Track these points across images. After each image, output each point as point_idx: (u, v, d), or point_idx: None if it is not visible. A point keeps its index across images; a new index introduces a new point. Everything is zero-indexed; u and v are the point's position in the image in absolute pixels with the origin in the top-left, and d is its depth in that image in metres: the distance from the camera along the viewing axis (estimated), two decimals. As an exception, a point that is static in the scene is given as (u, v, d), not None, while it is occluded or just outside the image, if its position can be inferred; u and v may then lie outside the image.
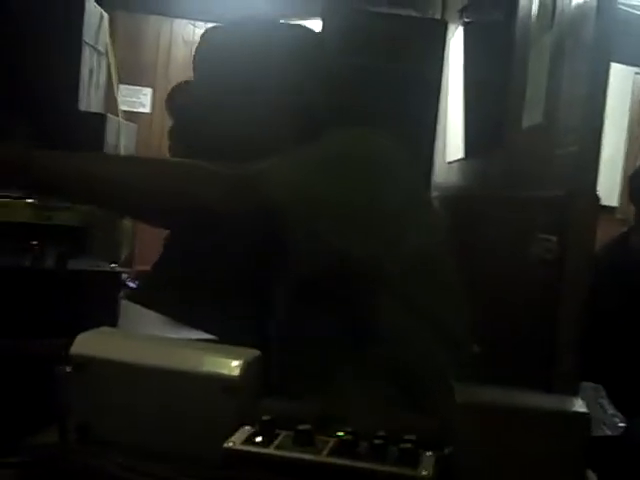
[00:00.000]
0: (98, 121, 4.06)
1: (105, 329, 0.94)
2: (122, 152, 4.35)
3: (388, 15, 3.75)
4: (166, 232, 2.60)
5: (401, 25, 3.71)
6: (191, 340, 0.99)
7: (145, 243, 4.74)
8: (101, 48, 4.34)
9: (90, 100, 4.25)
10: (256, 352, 0.88)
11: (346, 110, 1.92)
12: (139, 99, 5.95)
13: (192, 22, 6.00)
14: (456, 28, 3.69)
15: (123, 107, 5.34)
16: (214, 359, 0.86)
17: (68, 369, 0.87)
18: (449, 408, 0.85)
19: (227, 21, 1.67)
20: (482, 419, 0.79)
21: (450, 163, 3.82)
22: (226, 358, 0.85)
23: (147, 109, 5.98)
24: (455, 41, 3.71)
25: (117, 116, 4.34)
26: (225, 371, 0.84)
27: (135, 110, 5.81)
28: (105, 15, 4.32)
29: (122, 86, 5.49)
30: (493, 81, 3.00)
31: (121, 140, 4.33)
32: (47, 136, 3.91)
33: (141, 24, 5.85)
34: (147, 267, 2.92)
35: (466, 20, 3.50)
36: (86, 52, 4.09)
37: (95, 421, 0.86)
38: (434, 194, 3.79)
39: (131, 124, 4.59)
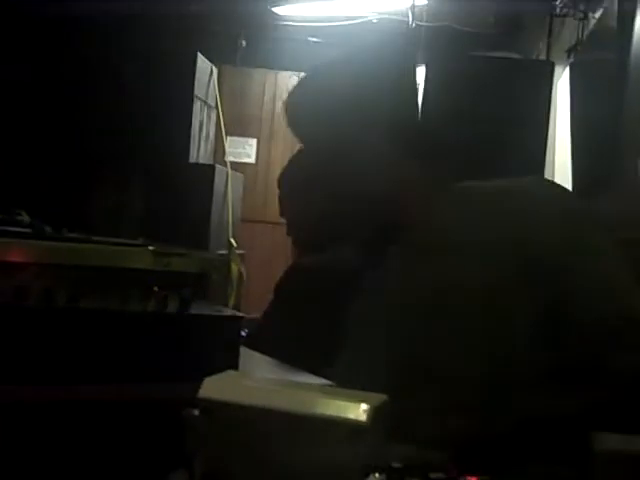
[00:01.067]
0: (208, 172, 4.18)
1: (231, 373, 0.95)
2: (230, 200, 4.45)
3: (493, 58, 3.73)
4: (276, 280, 2.64)
5: (507, 68, 3.68)
6: (315, 384, 0.98)
7: (251, 291, 4.83)
8: (211, 102, 4.48)
9: (200, 152, 4.38)
10: (383, 396, 0.87)
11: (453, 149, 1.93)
12: (244, 150, 6.10)
13: (296, 73, 6.13)
14: (563, 69, 3.65)
15: (230, 158, 5.49)
16: (340, 403, 0.84)
17: (195, 413, 0.87)
18: (587, 456, 0.81)
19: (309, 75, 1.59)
20: (628, 468, 0.75)
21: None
22: (353, 402, 0.84)
23: (252, 159, 6.12)
24: (562, 82, 3.66)
25: (225, 166, 4.45)
26: (352, 415, 0.82)
27: (241, 160, 5.96)
28: (215, 70, 4.46)
29: (229, 137, 5.66)
30: (604, 121, 2.93)
31: (229, 189, 4.43)
32: (159, 186, 4.07)
33: (246, 77, 6.02)
34: (255, 314, 2.96)
35: (574, 60, 3.45)
36: (197, 106, 4.23)
37: (222, 465, 0.86)
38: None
39: (238, 174, 4.70)
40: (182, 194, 4.06)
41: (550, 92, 3.67)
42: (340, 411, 0.83)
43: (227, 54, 5.78)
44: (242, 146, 6.03)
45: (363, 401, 0.84)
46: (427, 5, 4.88)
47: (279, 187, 2.65)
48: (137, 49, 4.19)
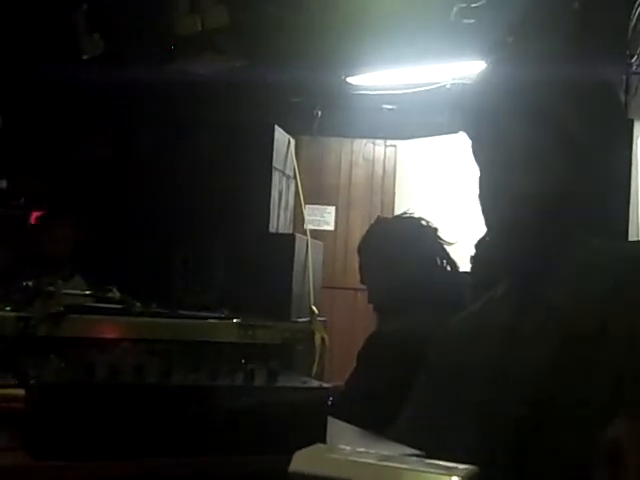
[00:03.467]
0: (288, 241, 4.23)
1: (320, 446, 0.95)
2: (310, 268, 4.49)
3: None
4: (358, 346, 2.65)
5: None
6: (404, 456, 0.97)
7: (334, 357, 4.82)
8: (289, 172, 4.57)
9: (279, 221, 4.45)
10: (473, 468, 0.86)
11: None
12: (323, 217, 6.17)
13: (371, 140, 6.23)
14: (643, 126, 3.59)
15: (309, 226, 5.57)
16: (430, 476, 0.84)
17: (287, 487, 0.88)
18: None
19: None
20: None
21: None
22: (443, 475, 0.83)
23: (331, 227, 6.18)
24: (643, 139, 3.61)
25: (304, 234, 4.51)
26: (443, 490, 0.82)
27: (320, 228, 6.03)
28: (292, 141, 4.56)
29: (307, 206, 5.75)
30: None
31: (309, 258, 4.47)
32: (240, 257, 4.14)
33: (323, 146, 6.13)
34: (338, 381, 2.96)
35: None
36: (276, 177, 4.32)
37: None
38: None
39: (318, 242, 4.74)
40: (263, 264, 4.12)
41: (631, 149, 3.62)
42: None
43: (304, 125, 5.91)
44: (321, 214, 6.11)
45: (454, 474, 0.83)
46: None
47: (359, 254, 2.68)
48: (216, 121, 4.32)
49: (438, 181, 5.92)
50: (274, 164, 4.30)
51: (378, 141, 6.22)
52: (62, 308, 1.37)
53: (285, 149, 4.51)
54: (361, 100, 5.73)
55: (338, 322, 5.46)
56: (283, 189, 4.51)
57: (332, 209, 6.19)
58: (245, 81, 4.60)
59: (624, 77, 4.29)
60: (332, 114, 5.93)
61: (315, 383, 1.23)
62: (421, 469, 0.87)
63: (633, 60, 3.58)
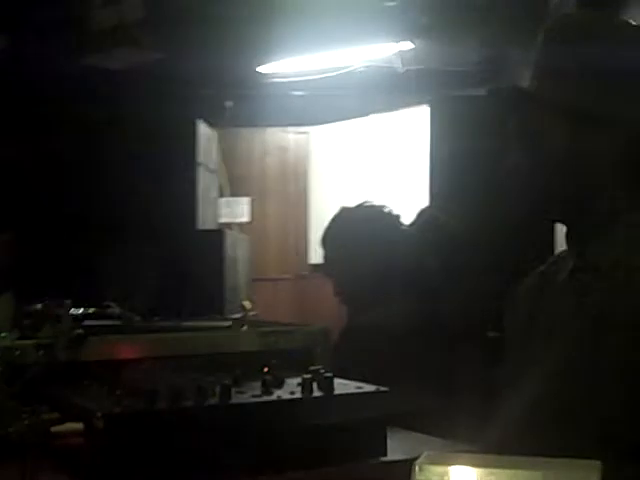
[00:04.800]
0: (218, 237, 4.16)
1: (431, 454, 0.92)
2: (240, 263, 4.43)
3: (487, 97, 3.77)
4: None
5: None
6: (514, 457, 0.95)
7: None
8: (212, 166, 4.48)
9: (206, 217, 4.37)
10: (596, 463, 0.85)
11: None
12: (238, 209, 6.08)
13: (283, 129, 6.18)
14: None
15: (224, 219, 5.49)
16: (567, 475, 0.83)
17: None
18: None
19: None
20: None
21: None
22: (579, 474, 0.83)
23: (246, 218, 6.10)
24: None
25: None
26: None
27: (235, 220, 5.94)
28: (214, 134, 4.47)
29: (223, 198, 5.65)
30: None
31: (238, 252, 4.41)
32: (171, 257, 4.03)
33: (234, 137, 6.02)
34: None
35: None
36: (200, 172, 4.23)
37: None
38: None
39: (244, 236, 4.69)
40: (193, 261, 4.03)
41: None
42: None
43: (214, 116, 5.80)
44: (236, 206, 6.02)
45: (589, 471, 0.83)
46: (414, 49, 4.95)
47: (324, 246, 2.64)
48: (135, 117, 4.18)
49: (352, 165, 5.93)
50: (199, 159, 4.21)
51: (290, 129, 6.18)
52: (82, 331, 1.29)
53: (208, 143, 4.42)
54: (272, 88, 5.67)
55: (264, 315, 5.40)
56: (208, 184, 4.42)
57: (246, 200, 6.10)
58: (161, 75, 4.47)
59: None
60: (243, 104, 5.84)
61: (371, 387, 1.20)
62: (550, 468, 0.86)
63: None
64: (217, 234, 4.18)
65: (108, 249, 3.93)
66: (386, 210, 2.52)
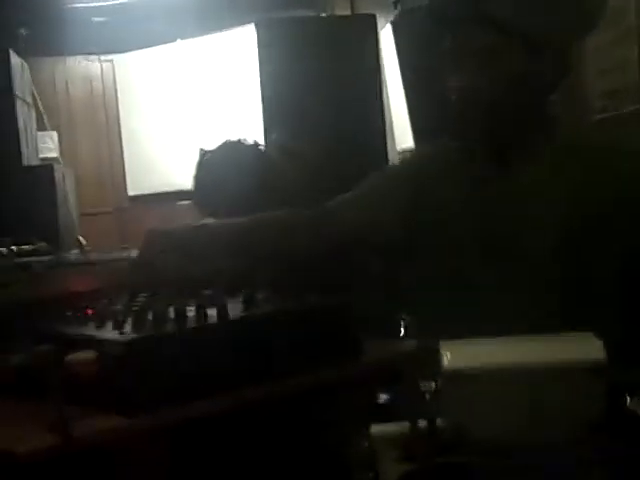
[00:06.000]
0: (47, 172, 4.00)
1: (448, 342, 1.02)
2: (68, 197, 4.29)
3: (320, 18, 3.86)
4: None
5: (333, 25, 3.84)
6: (528, 336, 1.07)
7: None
8: (28, 99, 4.26)
9: (29, 152, 4.17)
10: (589, 334, 0.99)
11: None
12: (46, 144, 5.80)
13: (85, 57, 5.92)
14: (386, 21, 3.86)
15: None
16: (574, 346, 0.97)
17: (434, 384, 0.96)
18: None
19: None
20: None
21: (401, 152, 4.02)
22: (585, 343, 0.96)
23: (56, 153, 5.84)
24: (386, 32, 3.88)
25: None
26: (591, 354, 0.95)
27: (45, 155, 5.67)
28: (26, 65, 4.23)
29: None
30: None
31: (67, 186, 4.27)
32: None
33: (35, 68, 5.68)
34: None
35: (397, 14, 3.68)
36: (18, 105, 4.01)
37: (468, 425, 0.95)
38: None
39: (70, 170, 4.53)
40: (23, 199, 3.86)
41: (378, 44, 3.88)
42: (577, 353, 0.95)
43: (8, 45, 5.44)
44: (43, 140, 5.74)
45: (592, 340, 0.97)
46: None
47: (199, 176, 2.64)
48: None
49: (165, 92, 5.83)
50: (15, 92, 3.98)
51: (92, 57, 5.93)
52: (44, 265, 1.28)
53: (21, 74, 4.19)
54: (72, 14, 5.40)
55: (94, 249, 5.27)
56: (26, 118, 4.20)
57: (54, 134, 5.83)
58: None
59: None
60: (41, 32, 5.51)
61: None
62: (558, 341, 1.00)
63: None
64: (46, 169, 4.02)
65: None
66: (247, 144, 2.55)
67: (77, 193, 5.15)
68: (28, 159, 4.14)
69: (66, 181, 4.25)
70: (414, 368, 1.08)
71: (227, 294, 1.24)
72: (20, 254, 1.43)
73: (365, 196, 1.42)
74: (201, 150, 2.55)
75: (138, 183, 6.04)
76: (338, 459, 1.26)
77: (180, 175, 5.63)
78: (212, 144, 2.52)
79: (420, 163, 1.49)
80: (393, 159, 4.13)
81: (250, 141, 2.54)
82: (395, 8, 3.68)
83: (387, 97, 4.06)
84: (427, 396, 0.96)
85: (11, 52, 3.96)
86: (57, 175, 4.05)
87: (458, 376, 0.95)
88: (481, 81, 1.24)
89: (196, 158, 2.54)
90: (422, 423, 1.00)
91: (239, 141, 2.54)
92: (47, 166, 4.08)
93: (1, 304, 1.20)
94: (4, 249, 1.35)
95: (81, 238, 4.43)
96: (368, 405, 1.27)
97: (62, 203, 4.08)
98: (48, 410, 1.06)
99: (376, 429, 1.09)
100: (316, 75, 3.74)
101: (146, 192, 5.97)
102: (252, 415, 1.18)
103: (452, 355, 0.96)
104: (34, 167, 4.07)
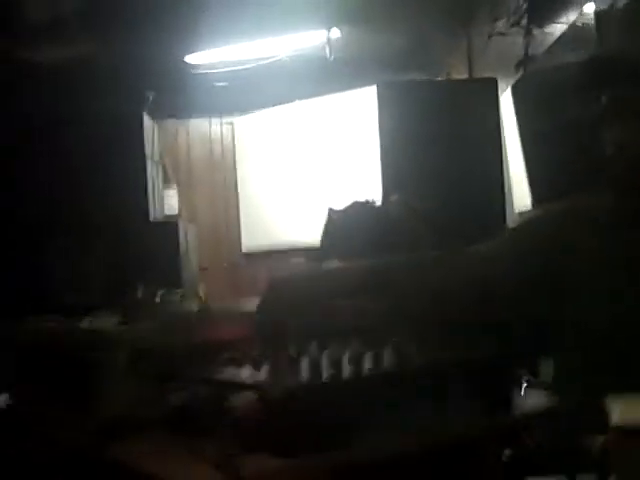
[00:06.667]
0: (172, 228, 4.16)
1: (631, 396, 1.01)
2: (191, 252, 4.44)
3: (441, 81, 3.91)
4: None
5: (455, 88, 3.90)
6: None
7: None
8: (156, 158, 4.46)
9: (156, 209, 4.35)
10: None
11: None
12: (166, 201, 6.05)
13: (207, 119, 6.18)
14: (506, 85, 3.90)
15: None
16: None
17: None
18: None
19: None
20: None
21: (521, 213, 4.00)
22: None
23: (175, 210, 6.07)
24: (506, 96, 3.91)
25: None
26: None
27: (168, 213, 5.91)
28: (155, 126, 4.45)
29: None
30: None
31: (189, 242, 4.42)
32: (127, 250, 4.00)
33: (159, 129, 5.96)
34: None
35: (520, 75, 3.70)
36: (148, 165, 4.21)
37: None
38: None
39: (192, 226, 4.69)
40: (150, 254, 4.02)
41: (498, 107, 3.91)
42: None
43: (136, 108, 5.74)
44: (166, 197, 5.98)
45: None
46: (341, 37, 5.06)
47: (327, 235, 2.71)
48: (77, 112, 4.12)
49: (280, 152, 6.00)
50: (146, 152, 4.19)
51: (214, 120, 6.18)
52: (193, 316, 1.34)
53: (151, 135, 4.40)
54: (197, 79, 5.66)
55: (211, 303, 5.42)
56: (154, 176, 4.40)
57: (174, 192, 6.07)
58: (95, 69, 4.40)
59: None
60: (167, 96, 5.79)
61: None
62: None
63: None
64: (172, 225, 4.19)
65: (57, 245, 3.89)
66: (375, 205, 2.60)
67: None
68: (155, 215, 4.33)
69: (188, 237, 4.40)
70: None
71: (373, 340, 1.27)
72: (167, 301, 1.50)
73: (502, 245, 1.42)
74: (330, 210, 2.61)
75: (252, 241, 6.19)
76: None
77: (293, 233, 5.77)
78: (333, 204, 2.58)
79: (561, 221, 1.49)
80: (510, 222, 4.12)
81: (378, 202, 2.60)
82: (517, 72, 3.71)
83: (507, 161, 4.07)
84: (594, 451, 0.95)
85: (144, 115, 4.17)
86: (181, 230, 4.21)
87: (631, 431, 0.95)
88: None
89: (323, 218, 2.60)
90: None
91: (367, 201, 2.59)
92: (172, 222, 4.24)
93: (167, 349, 1.26)
94: (158, 296, 1.42)
95: (201, 291, 4.57)
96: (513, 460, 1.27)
97: (185, 257, 4.23)
98: (206, 448, 1.11)
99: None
100: (436, 138, 3.79)
101: (260, 249, 6.11)
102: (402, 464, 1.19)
103: (623, 410, 0.96)
104: (161, 223, 4.24)
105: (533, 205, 3.80)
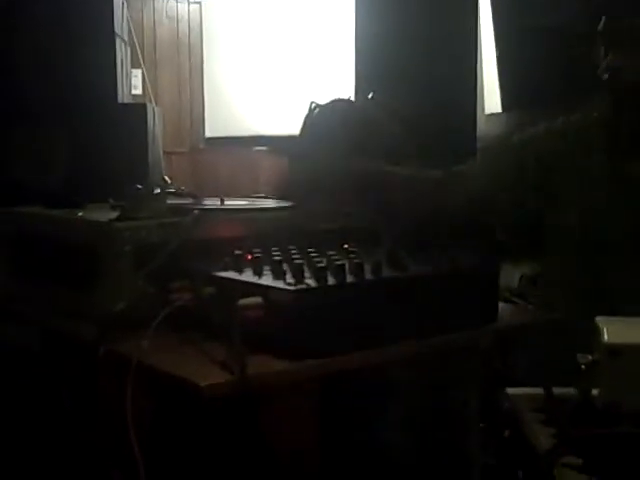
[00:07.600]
0: (140, 111, 4.09)
1: (622, 318, 1.08)
2: (157, 135, 4.38)
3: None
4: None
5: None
6: None
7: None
8: (125, 37, 4.34)
9: (123, 90, 4.26)
10: None
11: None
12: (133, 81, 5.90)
13: (174, -2, 5.98)
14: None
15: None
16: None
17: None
18: None
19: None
20: None
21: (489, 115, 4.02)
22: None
23: (139, 90, 5.94)
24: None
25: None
26: None
27: (133, 92, 5.77)
28: (125, 4, 4.30)
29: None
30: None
31: (156, 125, 4.36)
32: (92, 133, 3.94)
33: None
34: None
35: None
36: (117, 43, 4.09)
37: (625, 399, 1.01)
38: (478, 145, 3.97)
39: (158, 108, 4.61)
40: (116, 136, 3.96)
41: (477, 3, 3.86)
42: None
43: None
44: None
45: None
46: None
47: (306, 127, 2.70)
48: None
49: (248, 38, 5.85)
50: (116, 30, 4.06)
51: (181, -1, 5.99)
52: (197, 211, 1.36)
53: (121, 12, 4.26)
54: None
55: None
56: (123, 56, 4.28)
57: (138, 72, 5.92)
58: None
59: None
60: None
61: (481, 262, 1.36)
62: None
63: None
64: (140, 107, 4.11)
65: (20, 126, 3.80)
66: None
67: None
68: (123, 96, 4.24)
69: (155, 120, 4.34)
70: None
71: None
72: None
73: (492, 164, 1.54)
74: (311, 103, 2.61)
75: (216, 126, 6.12)
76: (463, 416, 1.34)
77: (258, 121, 5.71)
78: (302, 96, 2.58)
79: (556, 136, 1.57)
80: (480, 122, 4.14)
81: (359, 101, 2.60)
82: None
83: (481, 62, 4.05)
84: (583, 367, 1.02)
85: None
86: (149, 114, 4.15)
87: (617, 350, 1.01)
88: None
89: (301, 109, 2.60)
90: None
91: (349, 99, 2.60)
92: (141, 104, 4.17)
93: (173, 244, 1.28)
94: (158, 189, 1.42)
95: (166, 177, 4.54)
96: (499, 368, 1.34)
97: (152, 141, 4.18)
98: (213, 348, 1.15)
99: (514, 392, 1.16)
100: (412, 33, 3.75)
101: (223, 135, 6.04)
102: (391, 371, 1.25)
103: (611, 330, 1.03)
104: (128, 104, 4.16)
105: (503, 109, 3.83)
